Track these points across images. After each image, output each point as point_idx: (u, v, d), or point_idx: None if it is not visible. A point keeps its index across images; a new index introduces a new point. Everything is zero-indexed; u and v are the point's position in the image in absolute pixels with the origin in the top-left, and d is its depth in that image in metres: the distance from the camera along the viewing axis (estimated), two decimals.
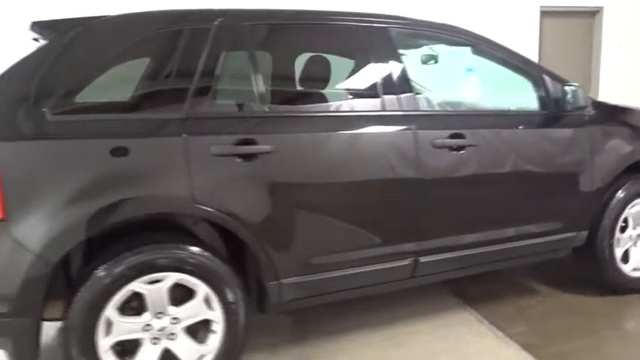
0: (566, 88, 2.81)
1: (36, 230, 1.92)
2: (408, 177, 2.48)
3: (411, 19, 2.71)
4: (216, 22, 2.26)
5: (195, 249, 2.14)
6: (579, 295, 3.21)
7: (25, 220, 1.91)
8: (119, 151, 2.01)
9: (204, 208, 2.12)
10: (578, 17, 7.11)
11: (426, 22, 2.72)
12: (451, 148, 2.56)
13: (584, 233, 3.00)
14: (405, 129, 2.48)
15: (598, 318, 2.94)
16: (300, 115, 2.38)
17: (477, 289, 3.27)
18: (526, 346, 2.62)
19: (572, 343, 2.67)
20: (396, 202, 2.49)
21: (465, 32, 2.78)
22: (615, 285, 3.14)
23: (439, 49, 2.76)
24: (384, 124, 2.47)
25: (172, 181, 2.08)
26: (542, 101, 2.88)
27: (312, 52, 2.61)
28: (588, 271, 3.18)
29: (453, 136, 2.56)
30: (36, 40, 2.19)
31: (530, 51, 6.59)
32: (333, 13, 2.53)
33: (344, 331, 2.80)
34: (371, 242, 2.47)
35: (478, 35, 2.80)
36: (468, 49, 2.79)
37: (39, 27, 2.16)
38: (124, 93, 2.21)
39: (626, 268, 3.14)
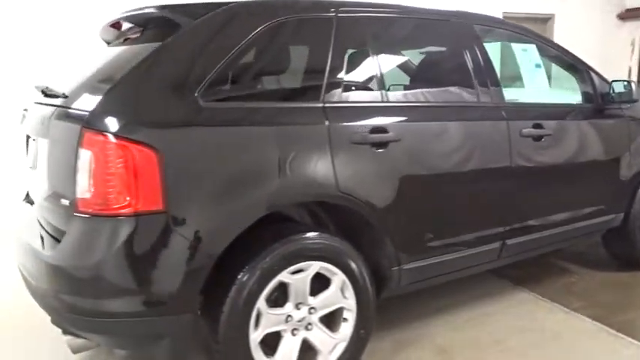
0: (614, 83, 3.10)
1: (198, 221, 1.84)
2: (502, 165, 2.63)
3: (495, 19, 2.87)
4: (337, 13, 2.28)
5: (335, 238, 2.14)
6: (609, 272, 3.53)
7: (185, 210, 1.82)
8: (277, 139, 1.97)
9: (347, 195, 2.12)
10: (534, 23, 7.70)
11: (504, 21, 2.89)
12: (533, 138, 2.74)
13: (621, 215, 3.31)
14: (499, 120, 2.63)
15: (633, 288, 3.29)
16: (418, 105, 2.45)
17: (520, 271, 3.47)
18: (595, 318, 2.86)
19: (632, 313, 2.96)
20: (493, 188, 2.64)
21: (532, 32, 2.99)
22: None
23: (515, 46, 2.94)
24: (483, 115, 2.60)
25: (321, 168, 2.07)
26: (592, 95, 3.15)
27: (421, 45, 2.69)
28: (621, 250, 3.50)
29: (535, 126, 2.75)
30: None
31: None
32: (438, 10, 2.65)
33: (425, 317, 2.89)
34: (473, 226, 2.59)
35: (541, 35, 3.03)
36: (534, 47, 3.00)
37: (170, 10, 2.05)
38: (265, 80, 2.15)
39: None
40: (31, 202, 2.48)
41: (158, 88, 1.88)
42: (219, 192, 1.87)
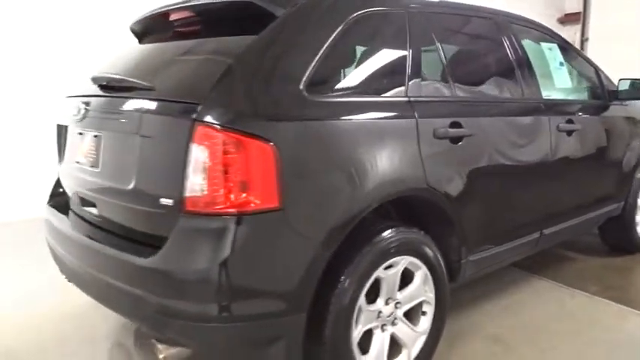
0: (621, 82, 3.35)
1: (312, 217, 1.77)
2: (545, 158, 2.76)
3: (526, 18, 3.00)
4: (410, 8, 2.28)
5: (420, 232, 2.15)
6: (605, 257, 3.81)
7: (299, 207, 1.74)
8: (377, 133, 1.95)
9: (432, 189, 2.14)
10: None
11: (532, 20, 3.03)
12: (567, 132, 2.90)
13: (622, 204, 3.58)
14: (542, 115, 2.75)
15: (636, 271, 3.59)
16: (483, 100, 2.51)
17: (530, 261, 3.65)
18: (613, 299, 3.08)
19: (636, 288, 3.26)
20: (538, 180, 2.75)
21: (553, 32, 3.16)
22: (634, 246, 3.80)
23: (546, 46, 3.09)
24: (531, 110, 2.72)
25: (413, 162, 2.06)
26: (600, 93, 3.38)
27: (477, 42, 2.75)
28: (619, 236, 3.78)
29: (567, 122, 2.91)
30: None
31: None
32: (492, 10, 2.74)
33: (467, 307, 2.95)
34: (524, 218, 2.70)
35: (559, 35, 3.20)
36: (557, 46, 3.16)
37: (266, 0, 1.95)
38: (357, 73, 2.09)
39: (638, 231, 3.82)
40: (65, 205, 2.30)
41: (266, 80, 1.79)
42: (331, 187, 1.81)
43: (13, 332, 2.73)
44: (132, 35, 2.64)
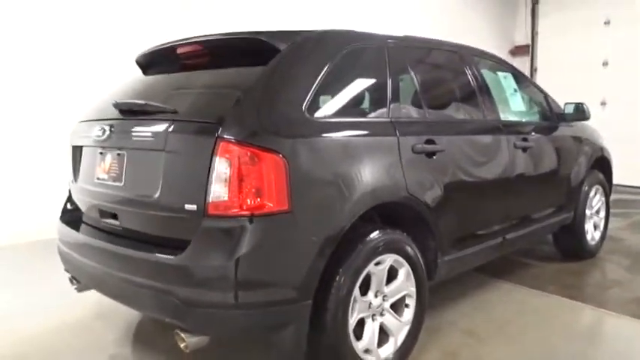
0: (567, 105, 3.83)
1: (316, 219, 2.08)
2: (505, 171, 3.17)
3: (484, 51, 3.46)
4: (387, 42, 2.67)
5: (403, 234, 2.48)
6: (559, 263, 4.24)
7: (305, 210, 2.05)
8: (366, 148, 2.30)
9: (412, 196, 2.48)
10: None
11: (490, 53, 3.49)
12: (522, 149, 3.33)
13: (572, 213, 4.03)
14: (501, 134, 3.17)
15: (587, 272, 4.03)
16: (450, 121, 2.91)
17: (488, 267, 4.01)
18: (569, 297, 3.48)
19: (591, 289, 3.67)
20: (500, 191, 3.15)
21: (507, 63, 3.62)
22: (585, 252, 4.24)
23: (501, 74, 3.54)
24: (491, 130, 3.13)
25: (396, 173, 2.41)
26: (549, 115, 3.85)
27: (442, 71, 3.16)
28: (570, 243, 4.22)
29: (523, 139, 3.34)
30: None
31: None
32: (455, 44, 3.18)
33: (440, 306, 3.28)
34: (488, 224, 3.08)
35: (512, 65, 3.67)
36: (511, 75, 3.63)
37: (271, 36, 2.30)
38: (347, 97, 2.44)
39: (588, 238, 4.28)
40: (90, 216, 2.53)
41: (275, 104, 2.11)
42: (330, 193, 2.13)
43: (25, 339, 2.89)
44: (137, 67, 2.93)
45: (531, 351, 2.73)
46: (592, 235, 4.33)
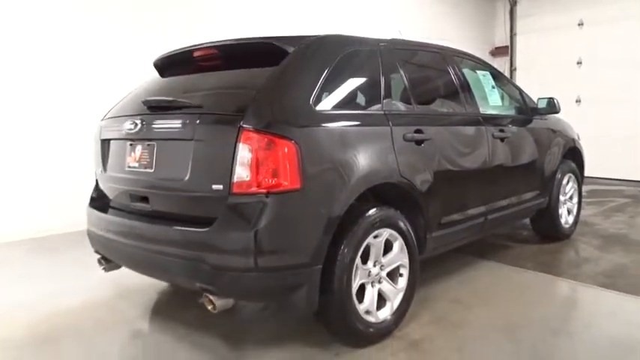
0: (540, 100, 4.24)
1: (323, 196, 2.44)
2: (485, 159, 3.55)
3: (464, 52, 3.86)
4: (379, 45, 3.05)
5: (397, 211, 2.85)
6: (536, 244, 4.65)
7: (314, 188, 2.40)
8: (365, 136, 2.67)
9: (404, 178, 2.86)
10: None
11: (469, 53, 3.89)
12: (500, 139, 3.72)
13: (547, 199, 4.44)
14: (481, 125, 3.56)
15: (562, 252, 4.44)
16: (435, 114, 3.30)
17: (474, 249, 4.42)
18: (545, 272, 3.88)
19: (564, 266, 4.07)
20: (481, 176, 3.54)
21: (486, 62, 4.03)
22: (560, 234, 4.66)
23: (480, 73, 3.94)
24: (472, 121, 3.52)
25: (389, 158, 2.78)
26: (524, 109, 4.26)
27: (429, 70, 3.54)
28: (546, 226, 4.63)
29: (500, 131, 3.74)
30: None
31: None
32: (439, 45, 3.55)
33: (431, 281, 3.63)
34: (470, 205, 3.46)
35: (490, 64, 4.07)
36: (489, 73, 4.03)
37: (280, 41, 2.66)
38: (347, 93, 2.80)
39: (562, 222, 4.70)
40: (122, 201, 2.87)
41: (286, 98, 2.47)
42: (335, 174, 2.49)
43: (57, 318, 3.20)
44: (154, 69, 3.28)
45: (509, 314, 3.11)
46: (566, 218, 4.75)
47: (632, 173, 8.13)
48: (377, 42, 3.07)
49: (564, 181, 4.65)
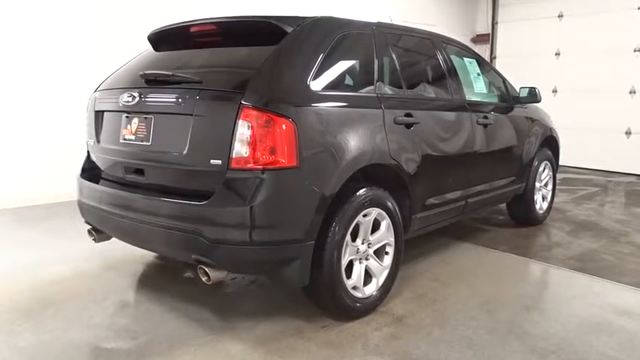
0: (522, 89, 4.39)
1: (318, 174, 2.52)
2: (468, 144, 3.68)
3: (452, 39, 3.95)
4: (373, 28, 3.12)
5: (385, 191, 2.95)
6: (512, 228, 4.84)
7: (310, 166, 2.48)
8: (358, 118, 2.75)
9: (394, 160, 2.96)
10: None
11: (457, 41, 3.99)
12: (484, 125, 3.85)
13: (524, 185, 4.62)
14: (466, 111, 3.68)
15: (536, 236, 4.64)
16: (424, 98, 3.39)
17: (452, 231, 4.59)
18: (518, 254, 4.07)
19: (535, 248, 4.27)
20: (463, 160, 3.67)
21: (472, 50, 4.13)
22: (534, 219, 4.86)
23: (467, 60, 4.04)
24: (458, 108, 3.64)
25: (381, 140, 2.87)
26: (506, 97, 4.40)
27: (419, 55, 3.62)
28: (521, 211, 4.82)
29: (484, 117, 3.87)
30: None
31: None
32: (427, 31, 3.64)
33: (412, 261, 3.77)
34: (453, 188, 3.59)
35: (476, 52, 4.19)
36: (475, 61, 4.14)
37: (279, 20, 2.70)
38: (342, 75, 2.87)
39: (537, 207, 4.90)
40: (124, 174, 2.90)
41: (285, 78, 2.53)
42: (329, 153, 2.57)
43: (48, 286, 3.24)
44: (148, 43, 3.28)
45: (486, 292, 3.27)
46: (540, 204, 4.95)
47: (602, 163, 8.44)
48: (371, 25, 3.14)
49: (540, 169, 4.84)
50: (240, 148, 2.36)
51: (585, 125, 8.56)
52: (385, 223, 2.97)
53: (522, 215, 4.86)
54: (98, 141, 3.03)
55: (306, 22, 2.76)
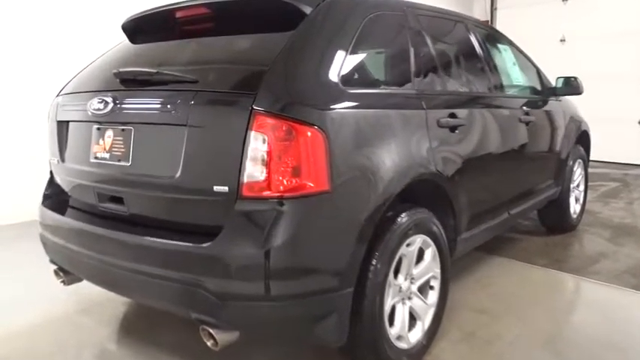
0: (559, 79, 3.82)
1: (356, 200, 1.91)
2: (513, 146, 3.11)
3: (487, 24, 3.34)
4: (405, 9, 2.51)
5: (430, 213, 2.35)
6: (544, 236, 4.29)
7: (345, 190, 1.87)
8: (400, 122, 2.14)
9: (439, 172, 2.35)
10: None
11: (489, 25, 3.39)
12: (526, 123, 3.27)
13: (560, 188, 4.06)
14: (509, 108, 3.10)
15: (573, 245, 4.11)
16: (468, 95, 2.79)
17: (483, 244, 4.01)
18: (562, 269, 3.53)
19: (578, 261, 3.72)
20: (509, 166, 3.09)
21: (506, 36, 3.55)
22: (568, 225, 4.32)
23: (501, 47, 3.45)
24: (501, 104, 3.05)
25: (425, 148, 2.27)
26: (541, 89, 3.83)
27: (459, 43, 3.01)
28: (556, 218, 4.26)
29: (525, 114, 3.29)
30: None
31: None
32: (457, 13, 3.04)
33: None
34: (498, 200, 3.02)
35: (510, 39, 3.61)
36: (509, 48, 3.55)
37: None
38: (375, 68, 2.25)
39: (571, 212, 4.35)
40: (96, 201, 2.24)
41: (309, 73, 1.90)
42: (369, 171, 1.96)
43: (9, 337, 2.58)
44: (123, 33, 2.62)
45: (543, 326, 2.71)
46: (574, 208, 4.41)
47: (615, 155, 7.97)
48: (402, 5, 2.52)
49: (574, 168, 4.29)
50: (253, 170, 1.74)
51: (596, 115, 7.96)
52: (430, 252, 2.38)
53: (556, 221, 4.31)
54: (62, 160, 2.37)
55: (329, 0, 2.12)
